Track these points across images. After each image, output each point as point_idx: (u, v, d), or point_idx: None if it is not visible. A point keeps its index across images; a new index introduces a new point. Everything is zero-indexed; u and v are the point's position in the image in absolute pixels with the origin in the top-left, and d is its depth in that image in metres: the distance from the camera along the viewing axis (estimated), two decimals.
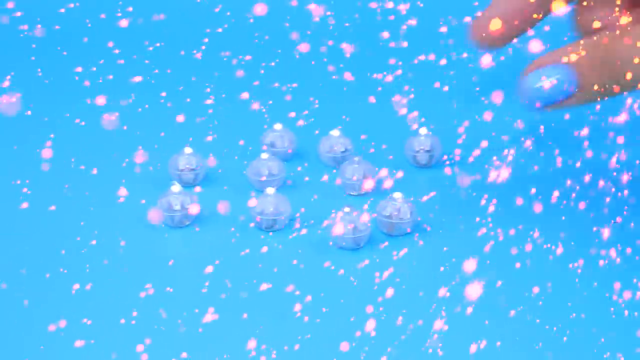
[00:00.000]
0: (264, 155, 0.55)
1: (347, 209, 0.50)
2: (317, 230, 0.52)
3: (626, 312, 0.46)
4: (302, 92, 0.68)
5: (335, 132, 0.58)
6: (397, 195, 0.51)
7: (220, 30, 0.77)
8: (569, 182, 0.55)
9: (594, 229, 0.51)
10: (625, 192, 0.54)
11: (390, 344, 0.44)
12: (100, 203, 0.54)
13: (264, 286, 0.47)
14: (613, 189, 0.55)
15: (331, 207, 0.52)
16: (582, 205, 0.53)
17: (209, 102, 0.67)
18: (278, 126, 0.59)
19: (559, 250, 0.50)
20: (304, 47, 0.74)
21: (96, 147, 0.61)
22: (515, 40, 0.53)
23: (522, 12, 0.53)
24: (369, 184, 0.55)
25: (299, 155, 0.59)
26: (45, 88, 0.70)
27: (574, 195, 0.54)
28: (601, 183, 0.55)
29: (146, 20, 0.77)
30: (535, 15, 0.53)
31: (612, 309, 0.46)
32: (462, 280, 0.48)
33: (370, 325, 0.45)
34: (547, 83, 0.49)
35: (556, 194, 0.54)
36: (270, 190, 0.52)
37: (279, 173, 0.55)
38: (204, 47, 0.75)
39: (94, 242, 0.51)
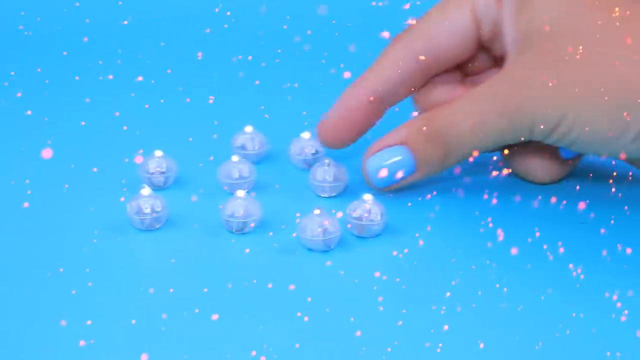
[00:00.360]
0: (235, 158, 0.55)
1: (316, 211, 0.50)
2: (288, 233, 0.51)
3: (626, 312, 0.46)
4: (270, 92, 0.69)
5: (305, 135, 0.58)
6: (367, 197, 0.51)
7: (197, 31, 0.77)
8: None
9: (602, 230, 0.52)
10: (619, 194, 0.55)
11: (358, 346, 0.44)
12: (101, 203, 0.54)
13: (234, 288, 0.47)
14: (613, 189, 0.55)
15: (302, 210, 0.52)
16: (582, 205, 0.54)
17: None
18: (249, 128, 0.59)
19: (561, 250, 0.50)
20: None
21: (96, 146, 0.61)
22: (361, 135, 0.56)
23: (360, 113, 0.55)
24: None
25: (270, 157, 0.59)
26: (45, 88, 0.69)
27: (577, 188, 0.55)
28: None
29: (140, 20, 0.78)
30: (374, 116, 0.56)
31: (613, 314, 0.46)
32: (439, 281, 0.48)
33: (345, 328, 0.45)
34: (385, 165, 0.53)
35: (554, 198, 0.55)
36: (240, 193, 0.52)
37: (249, 175, 0.55)
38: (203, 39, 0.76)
39: (94, 241, 0.51)
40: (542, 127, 0.50)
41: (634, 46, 0.48)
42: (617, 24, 0.49)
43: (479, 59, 0.56)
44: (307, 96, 0.68)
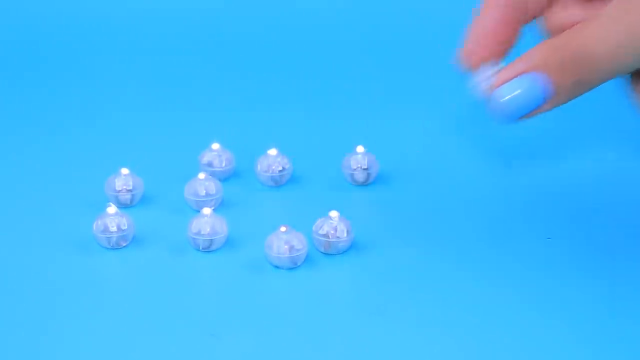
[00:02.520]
0: (201, 175, 0.55)
1: (283, 229, 0.50)
2: (255, 250, 0.51)
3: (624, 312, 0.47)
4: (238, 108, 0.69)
5: (272, 151, 0.58)
6: (334, 214, 0.51)
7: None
8: None
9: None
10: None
11: None
12: (67, 221, 0.54)
13: (200, 306, 0.47)
14: None
15: (269, 227, 0.52)
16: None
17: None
18: (215, 145, 0.59)
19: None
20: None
21: (62, 164, 0.61)
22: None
23: (504, 27, 0.50)
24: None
25: (237, 174, 0.59)
26: (8, 105, 0.70)
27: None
28: None
29: (104, 37, 0.78)
30: (513, 31, 0.52)
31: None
32: (403, 300, 0.48)
33: (313, 345, 0.45)
34: (517, 95, 0.47)
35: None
36: (206, 211, 0.52)
37: (216, 193, 0.55)
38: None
39: (60, 259, 0.51)
40: None
41: None
42: None
43: None
44: (274, 113, 0.68)
